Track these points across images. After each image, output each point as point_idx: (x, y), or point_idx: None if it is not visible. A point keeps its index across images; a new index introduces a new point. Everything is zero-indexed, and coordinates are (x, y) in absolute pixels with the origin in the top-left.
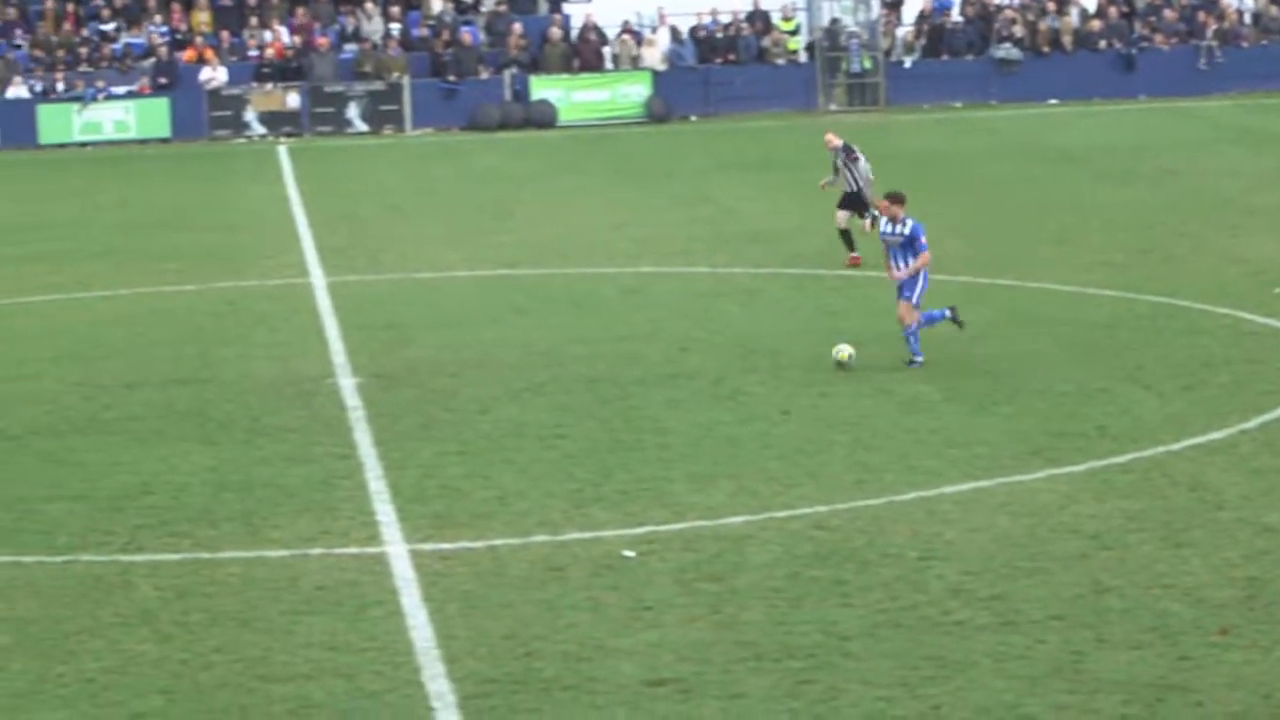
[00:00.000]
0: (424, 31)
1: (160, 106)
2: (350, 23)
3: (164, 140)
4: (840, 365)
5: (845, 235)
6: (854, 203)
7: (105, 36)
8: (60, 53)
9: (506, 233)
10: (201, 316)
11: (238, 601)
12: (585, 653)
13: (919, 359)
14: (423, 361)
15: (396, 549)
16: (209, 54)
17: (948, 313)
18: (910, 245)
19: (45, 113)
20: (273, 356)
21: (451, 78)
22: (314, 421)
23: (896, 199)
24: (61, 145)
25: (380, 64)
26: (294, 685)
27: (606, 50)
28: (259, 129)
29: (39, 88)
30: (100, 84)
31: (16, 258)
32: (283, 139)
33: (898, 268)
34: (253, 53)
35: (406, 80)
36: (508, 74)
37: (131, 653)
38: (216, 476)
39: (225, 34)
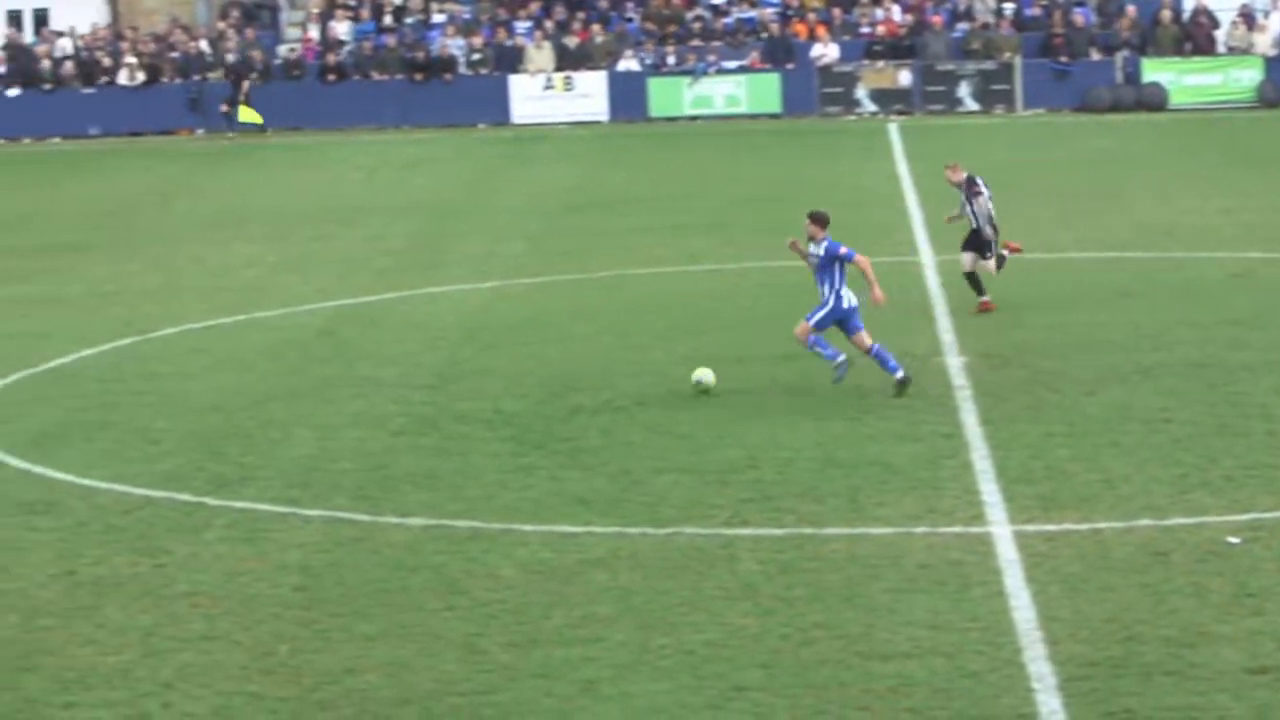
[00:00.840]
0: (1036, 12)
1: (771, 82)
2: (962, 2)
3: (774, 116)
4: (699, 387)
5: (971, 279)
6: (976, 243)
7: (717, 11)
8: (671, 27)
9: (1115, 215)
10: (809, 292)
11: (840, 578)
12: (1187, 638)
13: (838, 358)
14: (1029, 342)
15: (1001, 529)
16: (820, 30)
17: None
18: (830, 265)
19: (656, 86)
20: (881, 333)
21: (1063, 59)
22: (921, 399)
23: (817, 219)
24: (671, 118)
25: (990, 43)
26: (895, 663)
27: (1218, 34)
28: (869, 106)
29: (649, 61)
30: (711, 58)
31: (625, 229)
32: (893, 116)
33: (822, 289)
34: (864, 30)
35: (1018, 60)
36: (1119, 56)
37: (733, 626)
38: (823, 452)
39: (837, 11)
